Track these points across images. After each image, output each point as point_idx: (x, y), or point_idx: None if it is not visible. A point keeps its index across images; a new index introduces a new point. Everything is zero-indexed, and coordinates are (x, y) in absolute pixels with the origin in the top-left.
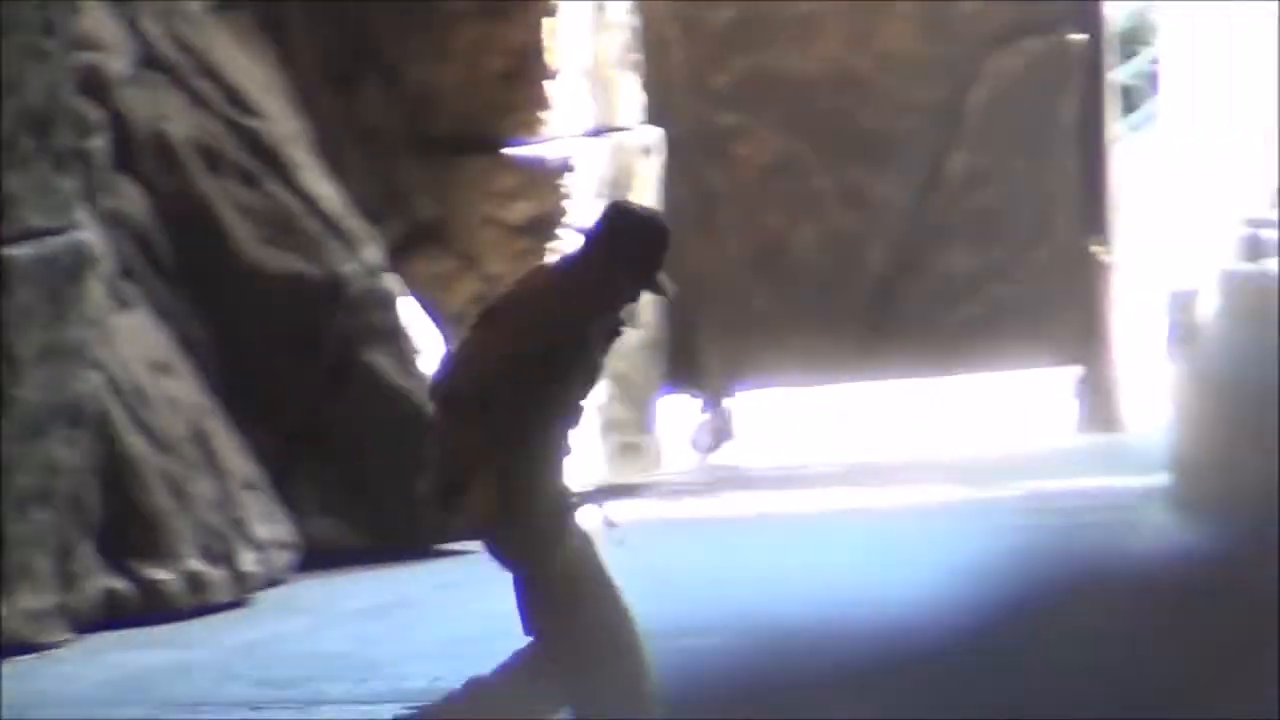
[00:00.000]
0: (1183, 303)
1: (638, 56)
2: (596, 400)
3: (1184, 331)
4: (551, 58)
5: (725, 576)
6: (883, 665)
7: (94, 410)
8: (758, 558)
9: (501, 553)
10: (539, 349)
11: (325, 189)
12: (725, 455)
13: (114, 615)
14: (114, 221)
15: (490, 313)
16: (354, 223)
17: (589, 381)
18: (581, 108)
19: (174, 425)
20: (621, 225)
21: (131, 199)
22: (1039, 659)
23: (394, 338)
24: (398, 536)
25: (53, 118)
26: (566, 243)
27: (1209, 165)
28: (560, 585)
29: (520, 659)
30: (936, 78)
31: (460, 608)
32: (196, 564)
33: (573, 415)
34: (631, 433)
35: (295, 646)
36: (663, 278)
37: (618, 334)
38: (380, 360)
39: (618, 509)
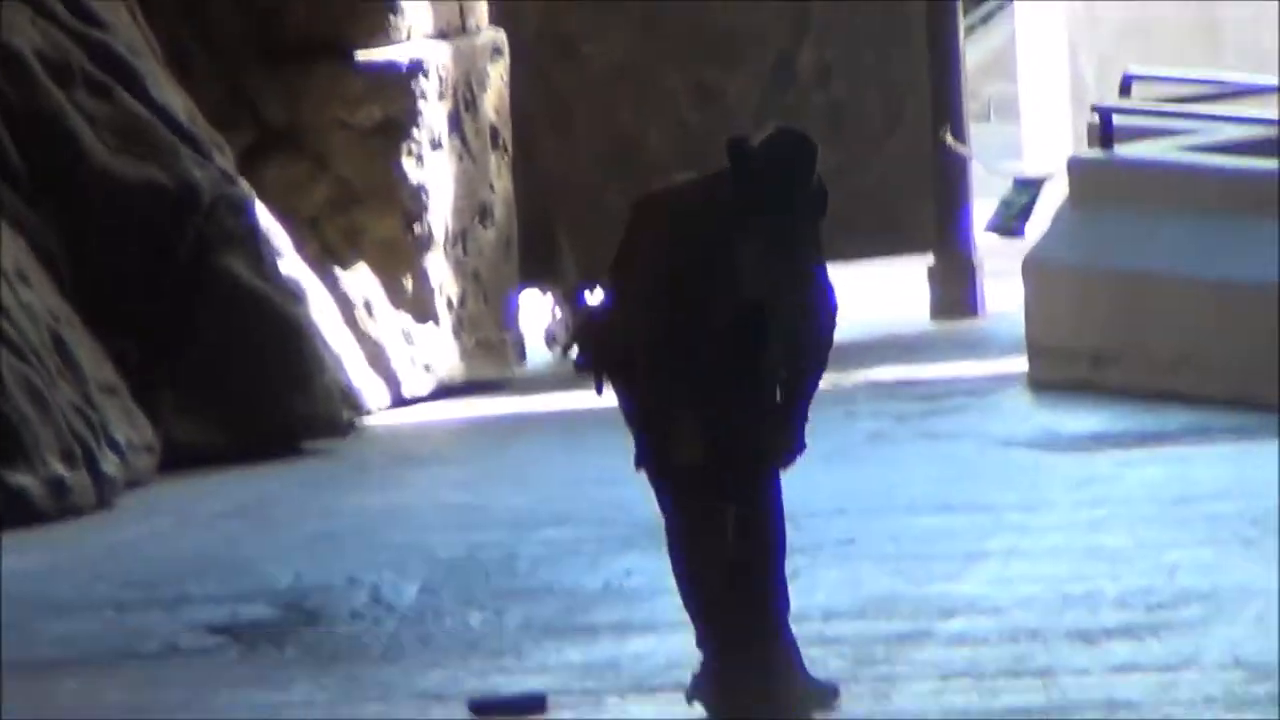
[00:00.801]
0: (1021, 188)
1: None
2: (456, 299)
3: (1009, 216)
4: None
5: (583, 470)
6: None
7: None
8: (616, 450)
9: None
10: (662, 281)
11: (175, 98)
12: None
13: None
14: None
15: (616, 268)
16: (205, 130)
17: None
18: (429, 11)
19: (32, 333)
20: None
21: None
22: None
23: (248, 242)
24: (258, 436)
25: None
26: (418, 145)
27: (1059, 54)
28: None
29: None
30: None
31: (323, 505)
32: (58, 469)
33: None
34: (489, 329)
35: (159, 548)
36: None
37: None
38: (235, 264)
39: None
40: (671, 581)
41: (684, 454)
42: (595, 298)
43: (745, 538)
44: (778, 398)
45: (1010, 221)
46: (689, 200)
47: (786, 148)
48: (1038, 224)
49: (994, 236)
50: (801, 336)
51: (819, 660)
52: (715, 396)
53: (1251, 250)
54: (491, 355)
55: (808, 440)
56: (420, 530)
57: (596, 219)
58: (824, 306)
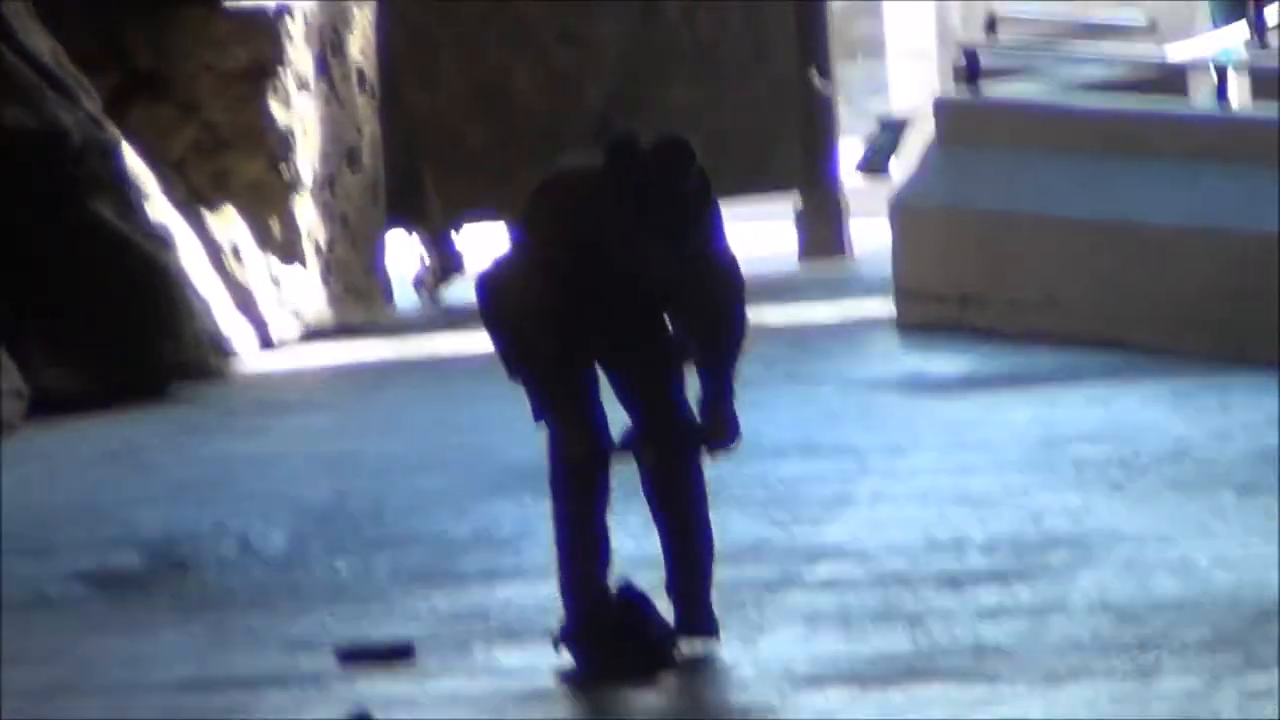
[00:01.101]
0: (887, 128)
1: None
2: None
3: (876, 155)
4: None
5: (452, 415)
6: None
7: None
8: (485, 395)
9: None
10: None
11: (41, 41)
12: (450, 293)
13: None
14: None
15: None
16: (71, 74)
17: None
18: None
19: None
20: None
21: None
22: None
23: (116, 187)
24: (127, 382)
25: None
26: (285, 89)
27: None
28: None
29: None
30: None
31: (191, 452)
32: None
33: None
34: (357, 274)
35: (27, 495)
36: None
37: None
38: (103, 209)
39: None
40: (543, 527)
41: (571, 452)
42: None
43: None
44: (693, 389)
45: (877, 161)
46: (584, 189)
47: (670, 163)
48: (905, 163)
49: (861, 177)
50: (706, 322)
51: None
52: (609, 388)
53: (1118, 189)
54: (359, 299)
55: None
56: (288, 477)
57: (463, 161)
58: (724, 288)
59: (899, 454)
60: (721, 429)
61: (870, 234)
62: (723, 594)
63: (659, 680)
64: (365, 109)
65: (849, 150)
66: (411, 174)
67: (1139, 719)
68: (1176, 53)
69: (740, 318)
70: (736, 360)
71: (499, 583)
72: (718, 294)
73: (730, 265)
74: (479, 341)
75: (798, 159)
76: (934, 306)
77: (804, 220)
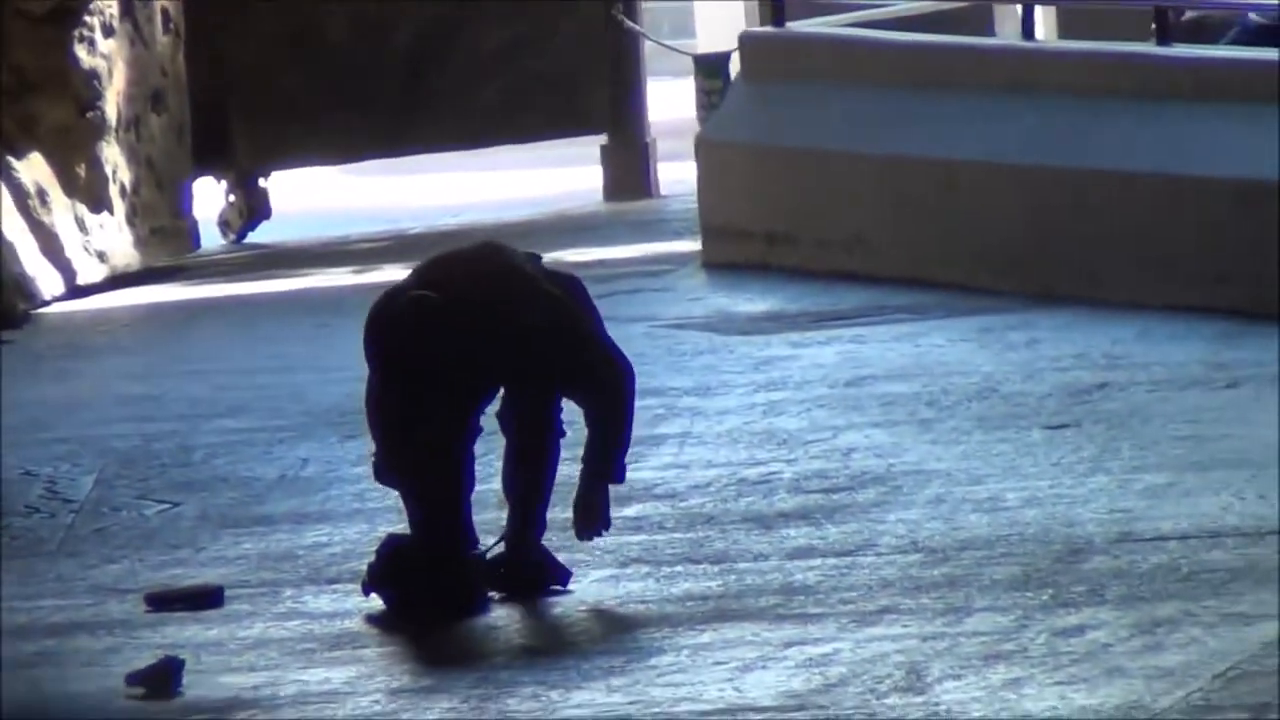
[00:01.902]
0: (709, 67)
1: None
2: (127, 187)
3: (710, 100)
4: None
5: (258, 358)
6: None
7: None
8: (292, 338)
9: None
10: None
11: None
12: (258, 235)
13: None
14: None
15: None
16: None
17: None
18: None
19: None
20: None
21: None
22: None
23: None
24: None
25: None
26: (90, 32)
27: None
28: None
29: None
30: None
31: None
32: None
33: None
34: (163, 216)
35: None
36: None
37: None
38: None
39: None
40: (346, 470)
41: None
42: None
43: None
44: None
45: (715, 109)
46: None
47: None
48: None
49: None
50: (592, 420)
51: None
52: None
53: (925, 125)
54: (166, 242)
55: None
56: (95, 422)
57: (270, 104)
58: (610, 394)
59: (707, 394)
60: (594, 517)
61: (678, 173)
62: None
63: (467, 623)
64: (170, 50)
65: (657, 89)
66: (218, 116)
67: (949, 657)
68: None
69: (626, 423)
70: (619, 460)
71: (307, 526)
72: (603, 399)
73: (615, 372)
74: (283, 284)
75: (605, 99)
76: (741, 245)
77: (610, 159)
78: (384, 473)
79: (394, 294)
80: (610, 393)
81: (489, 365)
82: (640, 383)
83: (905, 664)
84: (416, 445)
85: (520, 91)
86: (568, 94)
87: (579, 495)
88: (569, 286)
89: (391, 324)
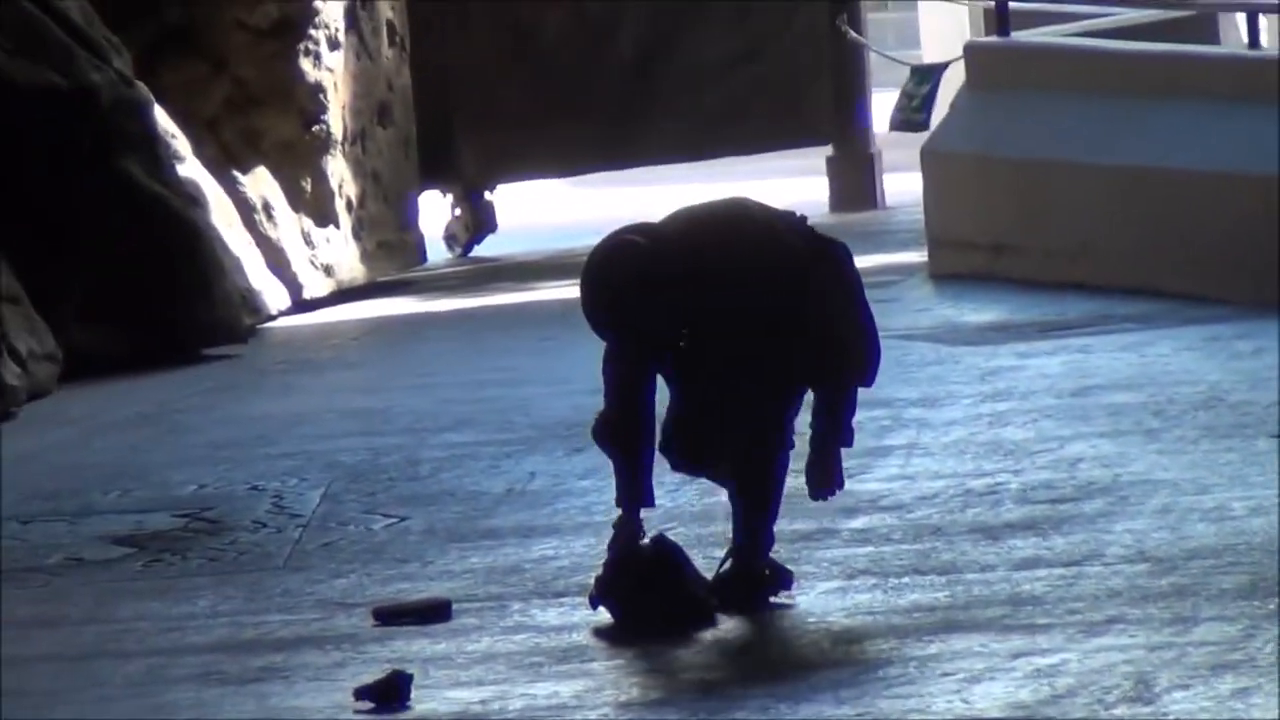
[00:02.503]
0: (921, 74)
1: None
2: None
3: (912, 106)
4: None
5: (485, 372)
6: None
7: None
8: (518, 351)
9: None
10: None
11: (71, 0)
12: (484, 249)
13: None
14: None
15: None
16: (102, 33)
17: None
18: None
19: None
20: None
21: None
22: None
23: (147, 146)
24: (159, 343)
25: None
26: (315, 45)
27: None
28: None
29: None
30: None
31: (225, 412)
32: None
33: None
34: (389, 230)
35: (62, 458)
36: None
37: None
38: (134, 168)
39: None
40: (573, 484)
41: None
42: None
43: None
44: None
45: (913, 114)
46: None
47: None
48: (940, 113)
49: (897, 128)
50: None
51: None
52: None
53: (1151, 133)
54: (392, 256)
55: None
56: (322, 436)
57: (494, 116)
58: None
59: (933, 405)
60: (828, 478)
61: (904, 184)
62: None
63: (695, 636)
64: (395, 63)
65: (880, 100)
66: (444, 128)
67: (1177, 667)
68: None
69: (855, 389)
70: (848, 423)
71: (534, 540)
72: (838, 371)
73: (856, 348)
74: (509, 297)
75: (829, 109)
76: (967, 255)
77: (836, 170)
78: (599, 435)
79: (612, 235)
80: (847, 365)
81: (695, 322)
82: (867, 394)
83: (1133, 674)
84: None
85: (743, 101)
86: (791, 104)
87: (811, 458)
88: (828, 250)
89: (589, 264)
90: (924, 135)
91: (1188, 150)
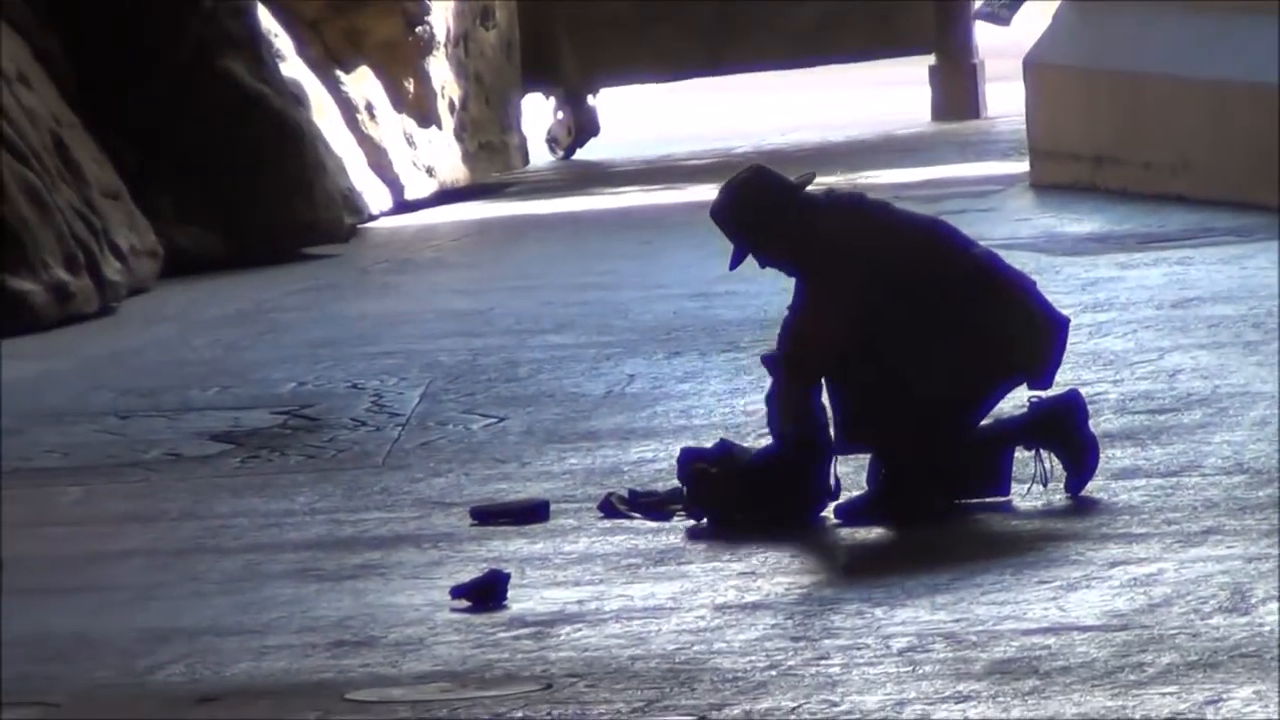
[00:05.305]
0: None
1: None
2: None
3: (999, 4)
4: None
5: (586, 275)
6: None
7: None
8: (618, 255)
9: None
10: None
11: None
12: (586, 152)
13: None
14: None
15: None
16: None
17: None
18: None
19: (33, 136)
20: None
21: None
22: None
23: (249, 45)
24: (259, 242)
25: None
26: None
27: None
28: None
29: None
30: None
31: (319, 311)
32: (61, 274)
33: None
34: (491, 132)
35: (160, 355)
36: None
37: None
38: (236, 67)
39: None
40: (673, 387)
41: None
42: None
43: None
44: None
45: (1001, 9)
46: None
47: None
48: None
49: (990, 28)
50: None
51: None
52: None
53: (1248, 49)
54: (494, 158)
55: None
56: (422, 337)
57: (597, 18)
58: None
59: None
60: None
61: (1006, 94)
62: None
63: (792, 541)
64: None
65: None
66: (546, 32)
67: (1274, 578)
68: None
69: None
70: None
71: (633, 442)
72: None
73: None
74: (609, 201)
75: (929, 20)
76: (1068, 167)
77: (938, 81)
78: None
79: None
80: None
81: None
82: None
83: (1229, 585)
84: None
85: (839, 11)
86: (885, 13)
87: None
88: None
89: None
90: (1025, 46)
91: None
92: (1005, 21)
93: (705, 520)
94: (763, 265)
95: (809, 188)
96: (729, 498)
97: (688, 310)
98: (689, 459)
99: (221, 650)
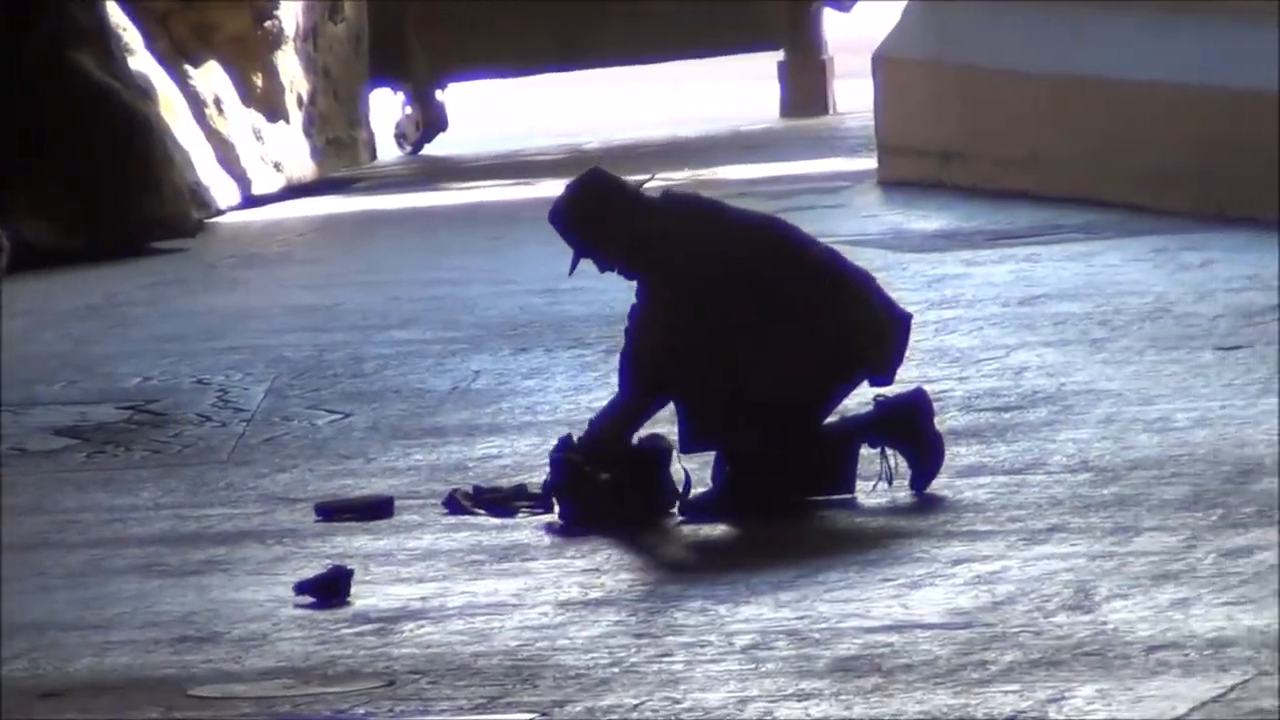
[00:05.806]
0: None
1: None
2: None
3: None
4: None
5: (432, 270)
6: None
7: None
8: (466, 250)
9: None
10: None
11: None
12: (435, 148)
13: None
14: None
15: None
16: None
17: None
18: None
19: None
20: None
21: None
22: None
23: (99, 38)
24: (107, 236)
25: None
26: None
27: None
28: None
29: None
30: None
31: (167, 306)
32: None
33: None
34: (340, 127)
35: (8, 349)
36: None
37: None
38: (85, 60)
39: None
40: (518, 383)
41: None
42: None
43: None
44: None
45: None
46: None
47: None
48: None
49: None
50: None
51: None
52: None
53: (1097, 45)
54: (342, 153)
55: None
56: (268, 331)
57: (447, 12)
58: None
59: None
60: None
61: (854, 91)
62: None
63: (636, 539)
64: None
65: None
66: (395, 26)
67: (1117, 576)
68: None
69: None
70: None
71: (478, 438)
72: None
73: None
74: (458, 196)
75: (782, 15)
76: (916, 163)
77: (787, 77)
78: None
79: None
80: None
81: None
82: None
83: (1073, 582)
84: None
85: (695, 6)
86: (737, 9)
87: None
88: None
89: None
90: (875, 42)
91: (1136, 61)
92: (846, 8)
93: (557, 514)
94: (601, 270)
95: (646, 188)
96: (599, 494)
97: (534, 306)
98: (565, 447)
99: (65, 645)
